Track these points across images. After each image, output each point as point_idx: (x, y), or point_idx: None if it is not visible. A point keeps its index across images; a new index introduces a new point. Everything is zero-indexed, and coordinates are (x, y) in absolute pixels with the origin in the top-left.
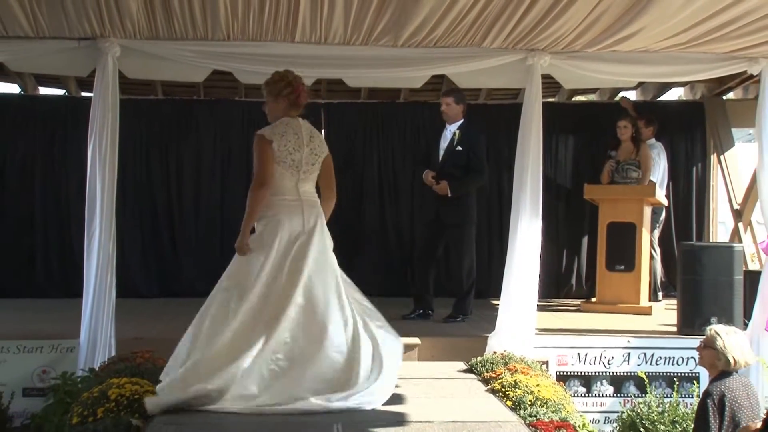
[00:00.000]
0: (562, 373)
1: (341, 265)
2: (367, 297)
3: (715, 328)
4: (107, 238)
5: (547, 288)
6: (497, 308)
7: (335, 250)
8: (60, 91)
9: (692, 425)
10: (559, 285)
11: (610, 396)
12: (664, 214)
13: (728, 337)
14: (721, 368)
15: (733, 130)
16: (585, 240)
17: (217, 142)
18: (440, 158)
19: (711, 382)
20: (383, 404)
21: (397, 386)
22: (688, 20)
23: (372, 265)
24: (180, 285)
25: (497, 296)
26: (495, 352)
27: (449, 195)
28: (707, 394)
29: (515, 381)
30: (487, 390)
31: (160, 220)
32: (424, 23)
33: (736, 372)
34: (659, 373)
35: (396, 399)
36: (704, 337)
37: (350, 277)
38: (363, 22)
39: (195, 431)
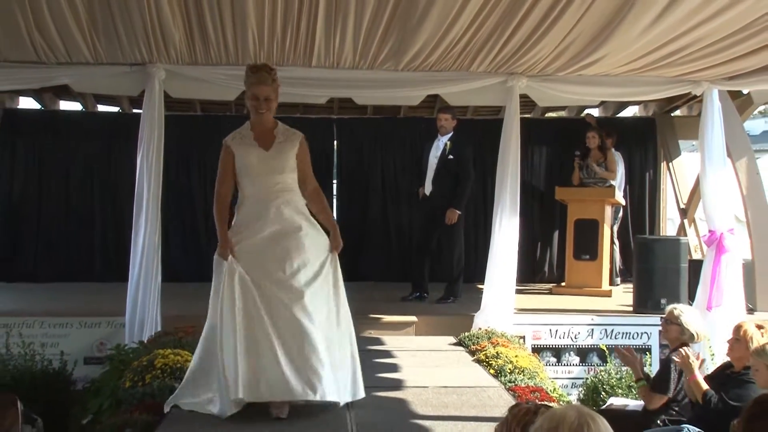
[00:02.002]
0: (536, 346)
1: (349, 257)
2: (371, 282)
3: (678, 307)
4: (153, 232)
5: (524, 274)
6: (482, 291)
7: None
8: (115, 109)
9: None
10: (534, 272)
11: (576, 365)
12: (622, 212)
13: (690, 315)
14: (686, 341)
15: (680, 141)
16: (556, 234)
17: None
18: (435, 166)
19: (672, 351)
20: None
21: (396, 357)
22: (642, 49)
23: (376, 255)
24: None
25: (482, 281)
26: (480, 328)
27: (459, 212)
28: (670, 360)
29: (497, 352)
30: (473, 360)
31: (197, 216)
32: (420, 51)
33: (694, 344)
34: (618, 345)
35: (395, 368)
36: (667, 314)
37: (357, 266)
38: (369, 50)
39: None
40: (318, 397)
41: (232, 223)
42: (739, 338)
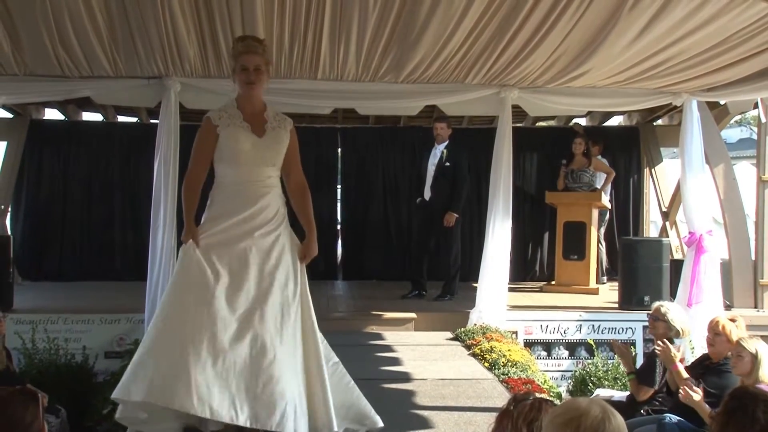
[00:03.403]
0: (528, 341)
1: (352, 256)
2: (372, 281)
3: (665, 304)
4: (170, 233)
5: (517, 273)
6: (477, 289)
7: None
8: (133, 119)
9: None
10: (526, 271)
11: (566, 359)
12: (608, 215)
13: (676, 312)
14: (672, 337)
15: (662, 149)
16: (546, 235)
17: None
18: (432, 173)
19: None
20: (387, 365)
21: (396, 351)
22: (625, 63)
23: (377, 254)
24: None
25: (477, 280)
26: (475, 324)
27: (456, 215)
28: (656, 353)
29: (491, 347)
30: (469, 354)
31: None
32: (419, 64)
33: (679, 339)
34: (604, 340)
35: (396, 361)
36: (654, 312)
37: (358, 265)
38: (371, 64)
39: None
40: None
41: (207, 209)
42: (719, 333)
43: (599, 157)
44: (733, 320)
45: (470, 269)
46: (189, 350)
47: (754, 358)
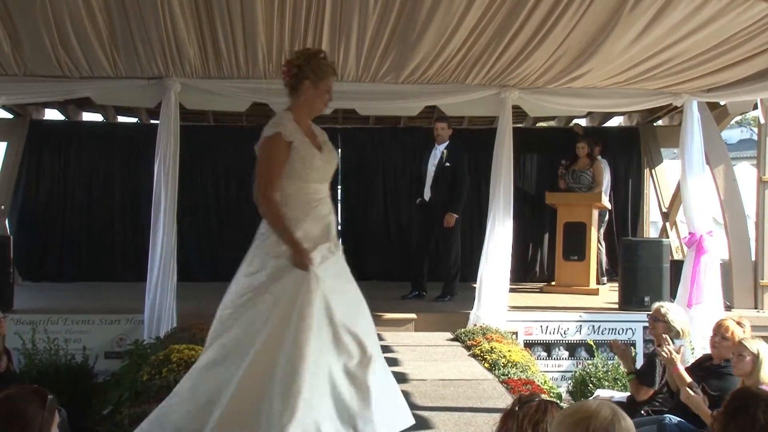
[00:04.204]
0: (528, 341)
1: (352, 257)
2: (372, 281)
3: (665, 305)
4: (170, 234)
5: (517, 274)
6: (476, 290)
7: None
8: (134, 119)
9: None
10: (527, 271)
11: (566, 359)
12: (608, 216)
13: (676, 312)
14: (672, 337)
15: (662, 149)
16: (546, 236)
17: (256, 160)
18: (432, 173)
19: (657, 346)
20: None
21: (396, 352)
22: (625, 64)
23: (377, 255)
24: (227, 271)
25: (476, 280)
26: (475, 325)
27: (456, 216)
28: (656, 354)
29: (491, 347)
30: (469, 355)
31: (211, 220)
32: (419, 65)
33: (679, 340)
34: (604, 340)
35: (396, 362)
36: (654, 312)
37: (358, 265)
38: (371, 64)
39: None
40: None
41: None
42: (726, 338)
43: (599, 157)
44: (740, 324)
45: (470, 270)
46: None
47: (756, 359)
